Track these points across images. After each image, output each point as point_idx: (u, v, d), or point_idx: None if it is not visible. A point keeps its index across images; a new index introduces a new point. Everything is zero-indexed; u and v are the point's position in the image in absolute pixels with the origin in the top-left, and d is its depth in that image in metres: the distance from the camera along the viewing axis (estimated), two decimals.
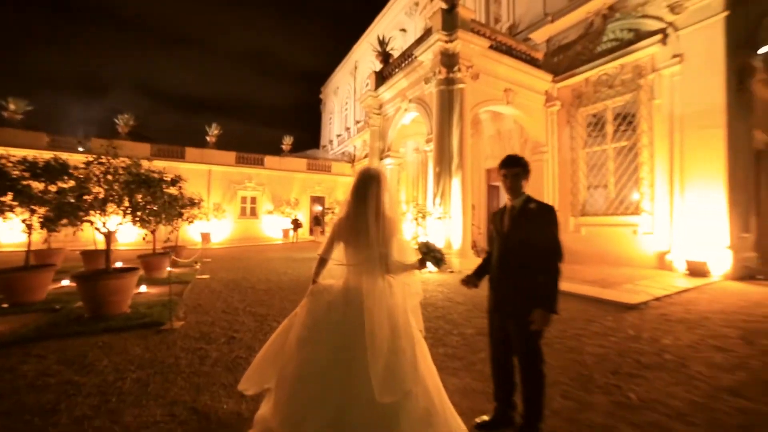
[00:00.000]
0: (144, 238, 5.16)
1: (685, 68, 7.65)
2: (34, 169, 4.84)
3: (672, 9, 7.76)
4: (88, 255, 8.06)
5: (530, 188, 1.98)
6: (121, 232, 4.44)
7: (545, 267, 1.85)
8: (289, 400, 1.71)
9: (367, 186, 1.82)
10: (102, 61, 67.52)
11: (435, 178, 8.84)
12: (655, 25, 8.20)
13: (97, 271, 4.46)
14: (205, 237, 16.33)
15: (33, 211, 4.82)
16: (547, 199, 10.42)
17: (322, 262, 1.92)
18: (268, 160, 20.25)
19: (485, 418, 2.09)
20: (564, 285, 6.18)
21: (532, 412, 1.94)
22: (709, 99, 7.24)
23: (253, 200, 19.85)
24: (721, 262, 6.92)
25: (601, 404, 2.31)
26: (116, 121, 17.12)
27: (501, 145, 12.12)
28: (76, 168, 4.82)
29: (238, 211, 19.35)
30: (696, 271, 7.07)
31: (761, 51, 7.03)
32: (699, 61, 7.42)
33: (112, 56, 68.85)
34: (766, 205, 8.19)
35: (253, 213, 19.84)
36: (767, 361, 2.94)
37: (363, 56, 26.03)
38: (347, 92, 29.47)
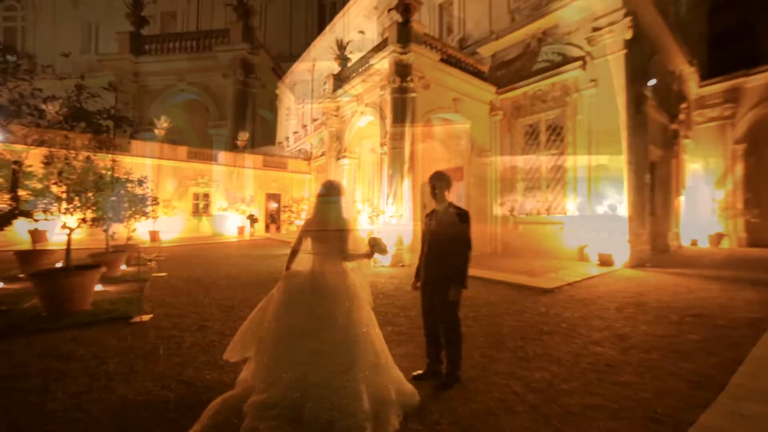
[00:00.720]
0: (112, 236, 5.14)
1: (599, 92, 9.07)
2: None
3: (589, 41, 9.17)
4: (24, 255, 7.54)
5: (476, 189, 2.64)
6: (62, 231, 4.39)
7: (459, 255, 2.53)
8: (269, 361, 2.21)
9: (330, 194, 2.40)
10: None
11: (388, 180, 9.51)
12: (577, 52, 9.58)
13: (57, 268, 4.45)
14: (154, 235, 15.54)
15: None
16: (490, 198, 11.64)
17: (294, 252, 2.44)
18: (223, 156, 19.65)
19: (420, 372, 2.74)
20: (497, 275, 7.19)
21: (453, 363, 2.63)
22: (615, 119, 8.72)
23: (206, 197, 19.18)
24: (622, 253, 8.40)
25: (507, 359, 3.09)
26: (44, 107, 15.42)
27: (450, 149, 13.13)
28: (19, 163, 4.70)
29: (191, 208, 18.59)
30: (604, 261, 8.49)
31: (649, 83, 8.66)
32: (608, 87, 8.87)
33: None
34: (658, 206, 10.01)
35: (206, 210, 19.17)
36: (625, 322, 3.99)
37: (321, 55, 26.01)
38: (305, 90, 29.18)
